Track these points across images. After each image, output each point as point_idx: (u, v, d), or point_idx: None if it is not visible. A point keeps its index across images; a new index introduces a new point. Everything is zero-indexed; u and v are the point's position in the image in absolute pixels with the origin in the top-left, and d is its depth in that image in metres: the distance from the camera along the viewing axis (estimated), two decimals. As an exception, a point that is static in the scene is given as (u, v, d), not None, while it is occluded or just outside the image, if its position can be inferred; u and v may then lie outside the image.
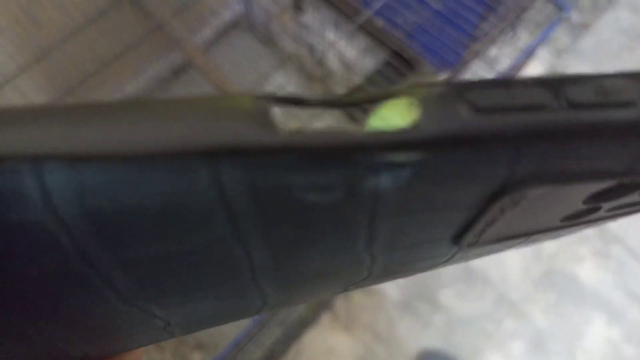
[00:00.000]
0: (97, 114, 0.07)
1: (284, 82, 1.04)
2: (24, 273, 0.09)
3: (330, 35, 1.13)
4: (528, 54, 0.63)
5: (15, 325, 0.10)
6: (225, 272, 0.10)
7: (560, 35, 1.19)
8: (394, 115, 0.08)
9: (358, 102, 0.08)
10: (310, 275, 0.11)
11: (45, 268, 0.09)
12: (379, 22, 1.04)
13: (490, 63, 0.76)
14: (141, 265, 0.09)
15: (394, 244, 0.10)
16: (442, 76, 0.99)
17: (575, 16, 1.19)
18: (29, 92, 0.73)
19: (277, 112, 0.08)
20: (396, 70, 1.04)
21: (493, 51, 0.92)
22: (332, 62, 1.13)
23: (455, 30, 0.88)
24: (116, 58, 0.80)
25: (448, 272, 0.98)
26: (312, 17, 1.14)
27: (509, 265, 1.00)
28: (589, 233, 1.03)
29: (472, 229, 0.10)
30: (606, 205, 0.11)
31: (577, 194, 0.10)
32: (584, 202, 0.11)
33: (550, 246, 1.02)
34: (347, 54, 1.11)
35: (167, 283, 0.10)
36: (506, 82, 0.08)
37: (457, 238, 0.11)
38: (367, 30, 1.08)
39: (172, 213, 0.08)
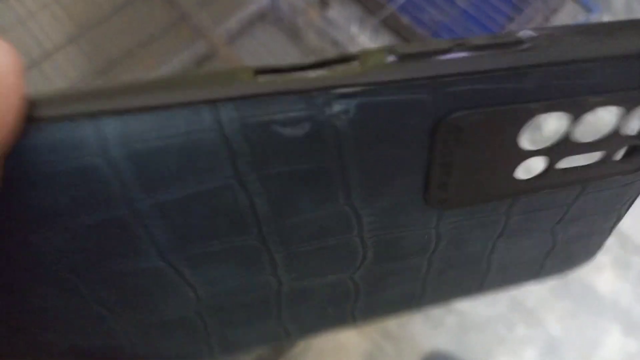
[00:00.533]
0: (134, 86, 0.10)
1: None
2: (81, 224, 0.11)
3: (355, 30, 1.12)
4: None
5: (72, 285, 0.12)
6: (236, 222, 0.12)
7: (591, 39, 1.16)
8: (343, 68, 0.11)
9: (320, 63, 0.11)
10: (309, 240, 0.13)
11: (98, 217, 0.11)
12: (405, 19, 1.03)
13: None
14: (170, 210, 0.11)
15: (369, 197, 0.12)
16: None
17: (607, 20, 1.16)
18: (53, 77, 0.74)
19: (260, 76, 0.11)
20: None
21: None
22: (356, 58, 1.13)
23: (481, 30, 0.87)
24: (140, 47, 0.81)
25: (462, 274, 0.98)
26: (337, 12, 1.14)
27: (525, 270, 0.99)
28: (610, 242, 1.01)
29: (432, 177, 0.12)
30: (555, 158, 0.13)
31: (510, 135, 0.12)
32: (529, 154, 0.13)
33: (569, 253, 1.00)
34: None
35: (191, 232, 0.12)
36: (423, 40, 0.12)
37: (426, 194, 0.13)
38: (393, 27, 1.07)
39: (188, 151, 0.10)
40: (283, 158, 0.11)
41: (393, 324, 0.95)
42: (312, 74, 0.11)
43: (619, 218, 0.17)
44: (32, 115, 0.10)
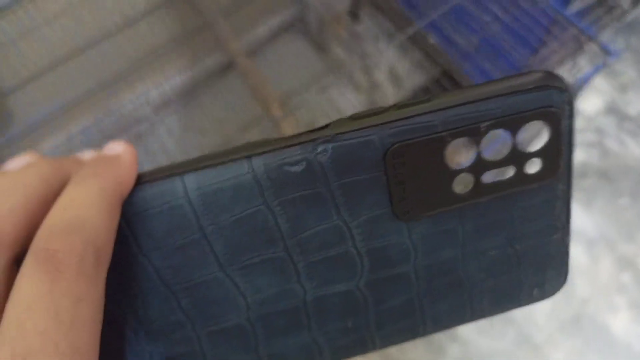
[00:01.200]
0: (204, 155, 0.17)
1: (329, 89, 1.03)
2: (172, 246, 0.17)
3: (383, 46, 1.11)
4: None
5: (165, 295, 0.18)
6: (268, 237, 0.18)
7: (627, 69, 1.12)
8: (323, 130, 0.17)
9: (311, 130, 0.17)
10: (319, 251, 0.18)
11: (181, 240, 0.17)
12: (432, 39, 1.01)
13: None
14: (225, 231, 0.17)
15: (353, 213, 0.18)
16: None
17: (630, 57, 1.11)
18: (76, 76, 0.76)
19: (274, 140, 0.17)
20: (444, 90, 1.01)
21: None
22: (382, 73, 1.11)
23: (503, 61, 0.85)
24: (161, 54, 0.82)
25: (470, 303, 0.95)
26: (366, 26, 1.12)
27: (535, 305, 0.96)
28: (629, 283, 0.98)
29: (393, 193, 0.18)
30: (478, 174, 0.18)
31: (437, 157, 0.17)
32: (457, 172, 0.18)
33: (583, 290, 0.97)
34: (398, 67, 1.09)
35: (239, 247, 0.18)
36: (370, 110, 0.17)
37: (393, 208, 0.18)
38: (420, 45, 1.05)
39: (235, 189, 0.17)
40: (293, 187, 0.17)
41: (395, 348, 0.94)
42: (306, 135, 0.17)
43: (564, 229, 0.20)
44: (145, 179, 0.17)
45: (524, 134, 0.17)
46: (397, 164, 0.17)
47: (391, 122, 0.17)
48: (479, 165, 0.18)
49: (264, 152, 0.17)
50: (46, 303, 0.13)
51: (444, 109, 0.17)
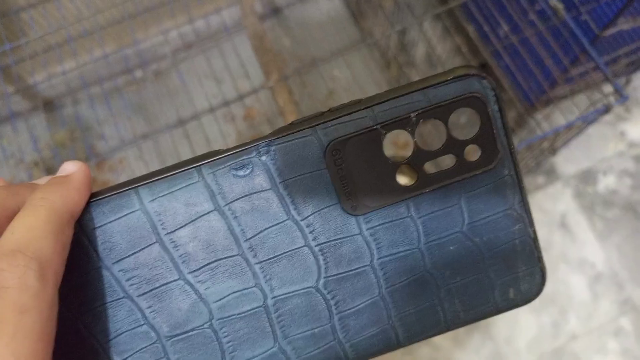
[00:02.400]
0: (155, 171, 0.18)
1: (354, 61, 0.98)
2: (133, 257, 0.18)
3: (427, 24, 1.03)
4: (569, 126, 0.53)
5: (130, 307, 0.18)
6: (223, 241, 0.18)
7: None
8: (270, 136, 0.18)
9: (259, 138, 0.18)
10: (274, 251, 0.19)
11: (142, 249, 0.18)
12: (470, 28, 0.93)
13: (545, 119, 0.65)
14: (180, 237, 0.18)
15: (301, 209, 0.18)
16: (522, 106, 0.88)
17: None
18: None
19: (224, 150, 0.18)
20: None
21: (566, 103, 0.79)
22: (419, 52, 1.04)
23: (539, 68, 0.77)
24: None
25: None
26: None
27: (521, 328, 0.91)
28: (627, 329, 0.91)
29: (338, 188, 0.18)
30: (418, 165, 0.18)
31: (375, 150, 0.18)
32: (397, 164, 0.18)
33: (575, 325, 0.91)
34: (438, 48, 1.02)
35: (195, 252, 0.18)
36: (309, 115, 0.18)
37: (341, 203, 0.18)
38: (463, 33, 0.97)
39: (187, 196, 0.18)
40: (241, 190, 0.18)
41: None
42: (251, 142, 0.18)
43: (524, 219, 0.20)
44: (102, 195, 0.18)
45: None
46: (338, 160, 0.18)
47: (325, 122, 0.18)
48: (418, 156, 0.18)
49: (211, 161, 0.18)
50: None
51: (373, 105, 0.18)
